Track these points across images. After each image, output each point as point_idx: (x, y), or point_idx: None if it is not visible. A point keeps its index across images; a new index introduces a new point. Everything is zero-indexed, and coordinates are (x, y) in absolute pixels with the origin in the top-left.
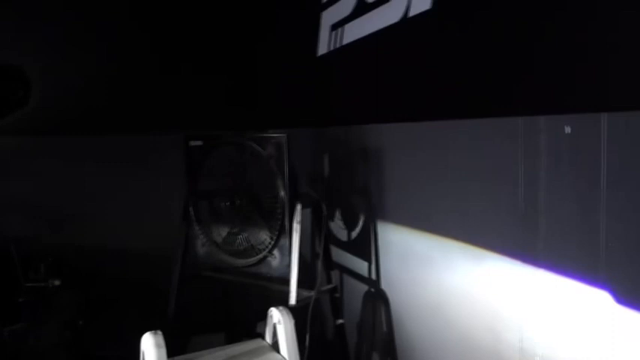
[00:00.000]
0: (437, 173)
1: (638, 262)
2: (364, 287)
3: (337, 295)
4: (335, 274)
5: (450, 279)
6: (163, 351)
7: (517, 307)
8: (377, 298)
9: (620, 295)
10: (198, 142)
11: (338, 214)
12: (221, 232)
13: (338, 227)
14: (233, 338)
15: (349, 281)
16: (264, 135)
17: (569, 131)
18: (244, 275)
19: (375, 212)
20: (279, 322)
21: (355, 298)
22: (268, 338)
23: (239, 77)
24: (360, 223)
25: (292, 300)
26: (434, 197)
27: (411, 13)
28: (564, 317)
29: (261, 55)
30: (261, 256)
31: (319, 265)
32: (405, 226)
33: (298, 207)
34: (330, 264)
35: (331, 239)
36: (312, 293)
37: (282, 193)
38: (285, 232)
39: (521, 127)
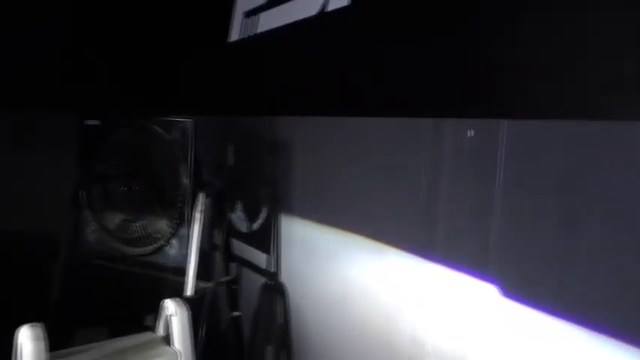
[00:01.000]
0: (343, 169)
1: (523, 260)
2: (263, 280)
3: (235, 286)
4: (234, 266)
5: (350, 272)
6: (42, 344)
7: (412, 300)
8: (275, 290)
9: (506, 290)
10: (95, 122)
11: (240, 206)
12: (115, 219)
13: (239, 219)
14: (123, 331)
15: (248, 273)
16: (170, 119)
17: (472, 134)
18: (138, 265)
19: (279, 205)
20: (174, 313)
21: (253, 291)
22: (161, 331)
23: (145, 59)
24: (263, 216)
25: (189, 291)
26: (339, 192)
27: (329, 8)
28: (455, 308)
29: (169, 37)
30: (157, 245)
31: (218, 256)
32: (309, 220)
33: (201, 196)
34: (229, 255)
35: (232, 231)
36: (210, 285)
37: (185, 181)
38: (185, 221)
39: (428, 128)
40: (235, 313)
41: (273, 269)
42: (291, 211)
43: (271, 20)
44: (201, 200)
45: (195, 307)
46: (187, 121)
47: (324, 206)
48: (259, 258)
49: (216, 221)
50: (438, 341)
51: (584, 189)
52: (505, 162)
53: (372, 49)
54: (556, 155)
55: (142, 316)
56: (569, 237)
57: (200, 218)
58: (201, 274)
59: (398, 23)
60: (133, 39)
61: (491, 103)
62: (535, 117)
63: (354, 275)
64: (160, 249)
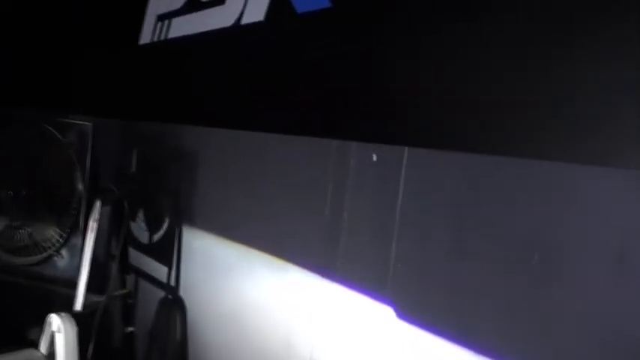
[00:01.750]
0: (249, 183)
1: (418, 283)
2: (161, 294)
3: (131, 300)
4: (131, 279)
5: (251, 290)
6: None
7: (311, 320)
8: (173, 305)
9: (401, 312)
10: None
11: (141, 215)
12: None
13: (139, 229)
14: (2, 347)
15: (146, 287)
16: (67, 120)
17: (376, 159)
18: (23, 275)
19: (182, 217)
20: (59, 330)
21: (150, 305)
22: (43, 348)
23: (46, 55)
24: (164, 227)
25: (78, 305)
26: (244, 207)
27: (244, 21)
28: (352, 329)
29: (75, 35)
30: (45, 255)
31: (114, 268)
32: (212, 233)
33: (97, 204)
34: (126, 268)
35: (131, 241)
36: (102, 299)
37: (79, 187)
38: (78, 230)
39: (334, 150)
40: (129, 329)
41: (172, 283)
42: (194, 223)
43: (184, 26)
44: (97, 208)
45: (85, 322)
46: (86, 124)
47: (227, 220)
48: (158, 271)
49: (113, 231)
50: None
51: (476, 218)
52: (405, 187)
53: (284, 66)
54: (453, 184)
55: (25, 332)
56: (460, 262)
57: (95, 227)
58: (95, 287)
59: (310, 41)
60: (37, 33)
61: (397, 130)
62: (436, 147)
63: (253, 293)
64: (48, 259)
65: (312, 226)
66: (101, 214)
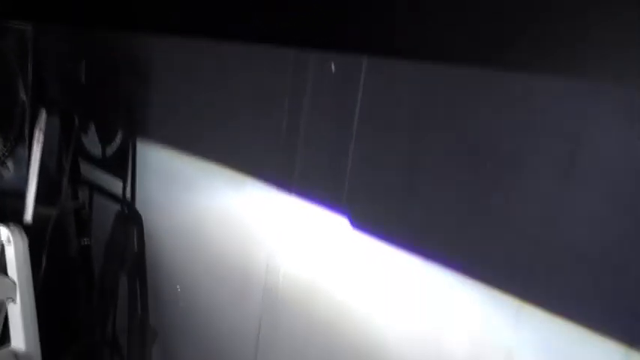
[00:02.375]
0: (207, 95)
1: (371, 193)
2: (116, 207)
3: (84, 212)
4: (85, 193)
5: (208, 203)
6: None
7: (268, 231)
8: (129, 218)
9: (355, 222)
10: None
11: (93, 128)
12: None
13: (92, 142)
14: None
15: (100, 200)
16: (4, 24)
17: (334, 70)
18: None
19: (136, 130)
20: (9, 241)
21: (106, 219)
22: None
23: None
24: (118, 140)
25: (28, 217)
26: (201, 120)
27: None
28: (309, 239)
29: None
30: None
31: (65, 180)
32: (168, 146)
33: (43, 113)
34: (78, 179)
35: (83, 154)
36: (54, 210)
37: (22, 96)
38: (24, 140)
39: (292, 60)
40: (85, 241)
41: (128, 196)
42: (149, 136)
43: None
44: (42, 118)
45: (37, 234)
46: (25, 28)
47: (183, 132)
48: (113, 184)
49: (63, 142)
50: (290, 270)
51: (432, 128)
52: (363, 98)
53: None
54: (410, 95)
55: None
56: (414, 172)
57: (40, 138)
58: (46, 199)
59: None
60: None
61: (355, 39)
62: (395, 56)
63: (211, 206)
64: None
65: (269, 137)
66: (50, 125)
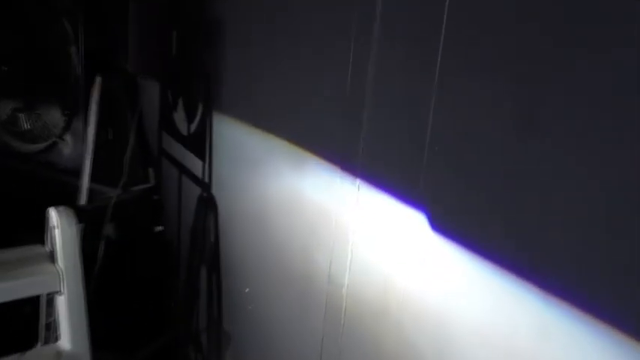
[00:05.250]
0: (280, 60)
1: (463, 181)
2: (196, 190)
3: (156, 197)
4: (170, 173)
5: (273, 189)
6: None
7: (327, 230)
8: (208, 203)
9: (436, 222)
10: None
11: (181, 103)
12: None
13: (181, 119)
14: (11, 242)
15: (188, 183)
16: None
17: None
18: (31, 164)
19: (213, 100)
20: (57, 224)
21: (192, 202)
22: (49, 244)
23: None
24: (199, 115)
25: (82, 199)
26: (272, 88)
27: None
28: (373, 245)
29: None
30: (50, 141)
31: (127, 157)
32: (238, 119)
33: (97, 81)
34: (148, 158)
35: (173, 132)
36: (115, 192)
37: (74, 60)
38: (79, 111)
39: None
40: (158, 228)
41: (207, 179)
42: (224, 109)
43: None
44: (97, 86)
45: (94, 218)
46: None
47: (255, 105)
48: (195, 165)
49: (127, 115)
50: (355, 283)
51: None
52: (446, 30)
53: None
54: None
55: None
56: (523, 144)
57: (95, 109)
58: (109, 180)
59: None
60: None
61: None
62: None
63: (275, 191)
64: (53, 146)
65: (333, 103)
66: (113, 94)
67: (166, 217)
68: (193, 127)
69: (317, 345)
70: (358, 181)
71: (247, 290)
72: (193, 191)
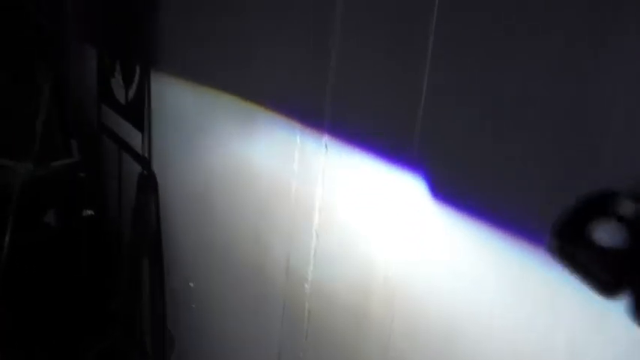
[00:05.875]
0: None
1: (466, 137)
2: (137, 168)
3: (82, 174)
4: (111, 150)
5: (218, 155)
6: None
7: (288, 194)
8: (148, 183)
9: (437, 189)
10: None
11: (119, 67)
12: None
13: (119, 85)
14: None
15: (128, 160)
16: None
17: None
18: None
19: (152, 57)
20: None
21: (127, 184)
22: None
23: None
24: (137, 77)
25: None
26: (219, 36)
27: None
28: (354, 212)
29: None
30: None
31: (40, 122)
32: (181, 77)
33: None
34: (68, 129)
35: (112, 102)
36: (23, 167)
37: None
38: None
39: None
40: (88, 212)
41: (146, 153)
42: (162, 67)
43: None
44: None
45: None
46: None
47: (201, 58)
48: (134, 138)
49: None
50: (322, 275)
51: None
52: None
53: None
54: None
55: None
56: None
57: None
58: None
59: None
60: None
61: None
62: None
63: (222, 161)
64: None
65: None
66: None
67: (106, 203)
68: (131, 93)
69: (273, 358)
70: (325, 140)
71: (192, 285)
72: (134, 169)
